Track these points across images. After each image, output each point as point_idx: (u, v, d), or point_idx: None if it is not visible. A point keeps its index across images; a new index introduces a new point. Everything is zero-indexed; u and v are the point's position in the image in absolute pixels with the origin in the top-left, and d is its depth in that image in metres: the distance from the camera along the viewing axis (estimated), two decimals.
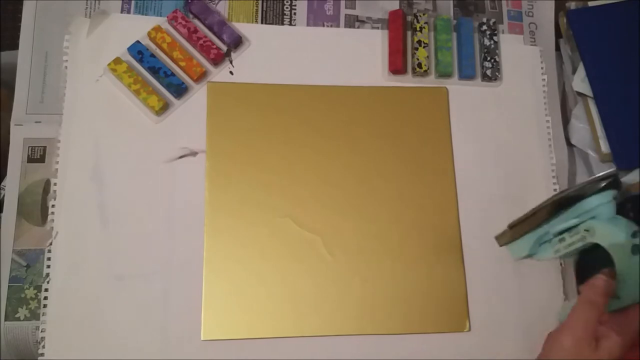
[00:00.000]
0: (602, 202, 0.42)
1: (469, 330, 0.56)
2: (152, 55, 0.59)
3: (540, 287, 0.58)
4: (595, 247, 0.44)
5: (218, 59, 0.60)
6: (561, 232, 0.46)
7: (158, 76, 0.58)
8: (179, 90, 0.58)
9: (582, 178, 0.66)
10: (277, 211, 0.57)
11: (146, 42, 0.60)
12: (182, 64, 0.59)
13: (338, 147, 0.60)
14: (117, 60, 0.57)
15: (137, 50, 0.58)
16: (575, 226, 0.44)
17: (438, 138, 0.62)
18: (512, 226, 0.48)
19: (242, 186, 0.57)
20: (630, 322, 0.44)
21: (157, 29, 0.59)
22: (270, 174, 0.58)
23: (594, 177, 0.43)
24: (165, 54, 0.60)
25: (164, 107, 0.58)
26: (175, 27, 0.60)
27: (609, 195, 0.42)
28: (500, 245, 0.54)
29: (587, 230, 0.43)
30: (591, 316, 0.44)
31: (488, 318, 0.57)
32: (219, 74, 0.60)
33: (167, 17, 0.60)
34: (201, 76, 0.59)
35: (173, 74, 0.58)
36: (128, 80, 0.57)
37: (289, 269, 0.56)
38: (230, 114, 0.59)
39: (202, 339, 0.53)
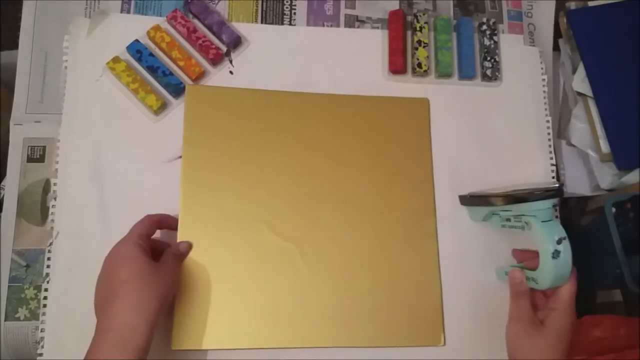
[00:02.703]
0: (541, 208, 0.50)
1: (444, 344, 0.55)
2: (151, 55, 0.59)
3: None
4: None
5: (217, 59, 0.59)
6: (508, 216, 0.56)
7: (156, 75, 0.58)
8: (177, 89, 0.58)
9: (582, 178, 0.66)
10: (252, 219, 0.55)
11: (145, 41, 0.59)
12: (181, 63, 0.59)
13: (316, 156, 0.58)
14: (116, 59, 0.57)
15: (136, 49, 0.58)
16: (519, 215, 0.53)
17: (418, 149, 0.61)
18: (471, 195, 0.59)
19: (216, 193, 0.56)
20: (561, 296, 0.51)
21: (157, 28, 0.59)
22: (246, 182, 0.56)
23: (542, 187, 0.53)
24: (164, 53, 0.59)
25: (162, 107, 0.58)
26: (174, 27, 0.60)
27: (549, 203, 0.50)
28: (461, 204, 0.60)
29: (526, 223, 0.52)
30: (523, 302, 0.52)
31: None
32: (218, 74, 0.60)
33: (167, 16, 0.60)
34: (200, 76, 0.59)
35: (171, 74, 0.58)
36: (126, 79, 0.57)
37: (264, 278, 0.54)
38: (207, 119, 0.57)
39: (172, 348, 0.51)
